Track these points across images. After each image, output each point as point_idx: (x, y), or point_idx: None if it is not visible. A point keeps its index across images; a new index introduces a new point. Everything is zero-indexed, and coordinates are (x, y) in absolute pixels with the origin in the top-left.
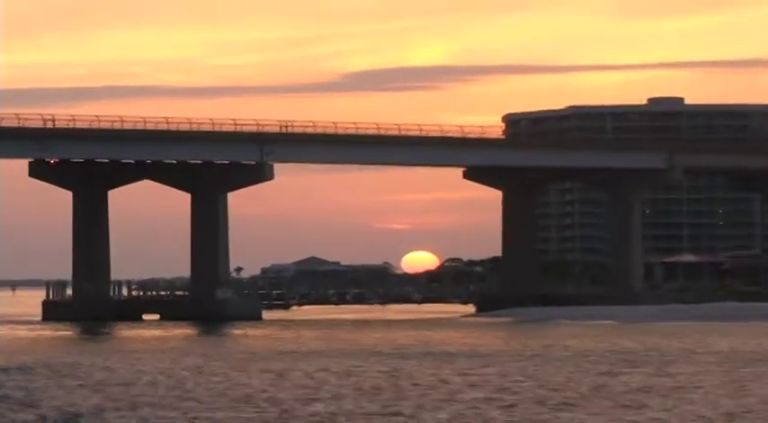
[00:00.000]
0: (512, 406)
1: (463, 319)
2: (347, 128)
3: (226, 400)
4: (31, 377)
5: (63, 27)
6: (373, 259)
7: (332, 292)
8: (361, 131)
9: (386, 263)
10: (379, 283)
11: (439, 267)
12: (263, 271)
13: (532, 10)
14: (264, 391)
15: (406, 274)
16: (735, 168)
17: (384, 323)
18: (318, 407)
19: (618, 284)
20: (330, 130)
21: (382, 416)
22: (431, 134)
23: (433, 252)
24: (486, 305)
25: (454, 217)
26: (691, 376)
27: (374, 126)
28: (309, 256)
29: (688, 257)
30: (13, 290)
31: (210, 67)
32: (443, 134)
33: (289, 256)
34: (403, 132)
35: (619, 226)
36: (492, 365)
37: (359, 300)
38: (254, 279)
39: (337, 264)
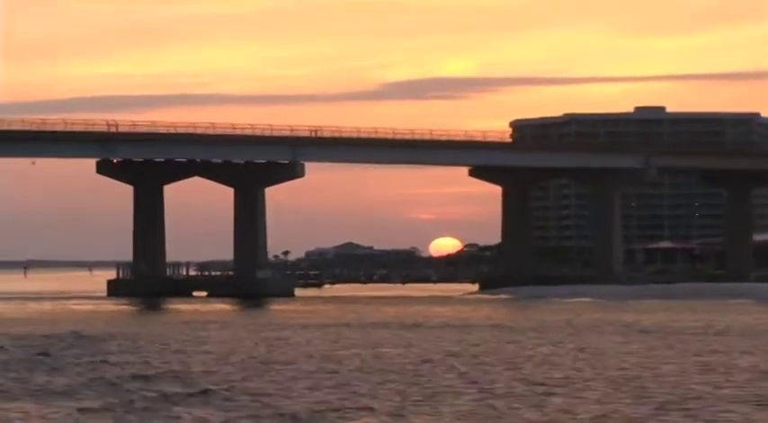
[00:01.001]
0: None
1: (466, 296)
2: (368, 132)
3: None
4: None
5: (142, 44)
6: (404, 245)
7: (361, 273)
8: (379, 136)
9: (413, 248)
10: (405, 266)
11: (459, 252)
12: (308, 254)
13: (542, 29)
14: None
15: (430, 258)
16: (703, 168)
17: (394, 299)
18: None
19: (600, 267)
20: (353, 135)
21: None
22: (440, 138)
23: (457, 238)
24: (488, 284)
25: (474, 208)
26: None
27: (390, 131)
28: (347, 241)
29: (666, 244)
30: (91, 270)
31: (266, 77)
32: (450, 138)
33: (330, 241)
34: (416, 137)
35: (600, 216)
36: (444, 332)
37: (384, 279)
38: (298, 261)
39: (371, 248)
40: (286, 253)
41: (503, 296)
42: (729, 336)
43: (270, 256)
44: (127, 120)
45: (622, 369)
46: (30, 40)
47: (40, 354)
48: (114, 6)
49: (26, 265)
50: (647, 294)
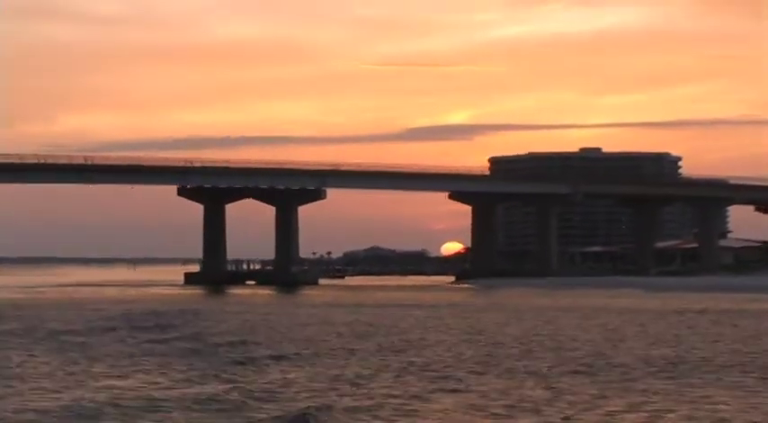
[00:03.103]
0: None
1: (443, 285)
2: (376, 167)
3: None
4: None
5: (225, 99)
6: (418, 248)
7: (375, 268)
8: (385, 169)
9: (423, 249)
10: (415, 263)
11: (463, 253)
12: (345, 254)
13: (518, 91)
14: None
15: (435, 257)
16: (620, 193)
17: (388, 287)
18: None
19: (540, 265)
20: (365, 169)
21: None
22: (428, 171)
23: (462, 243)
24: (461, 277)
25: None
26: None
27: (397, 165)
28: (374, 245)
29: (596, 248)
30: (134, 267)
31: (318, 123)
32: (435, 171)
33: (362, 245)
34: (411, 170)
35: (542, 228)
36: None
37: (393, 273)
38: (337, 259)
39: (393, 251)
40: (329, 253)
41: (466, 285)
42: (584, 312)
43: (315, 254)
44: (203, 157)
45: (469, 334)
46: (140, 94)
47: (156, 325)
48: (205, 68)
49: (134, 262)
50: (570, 284)
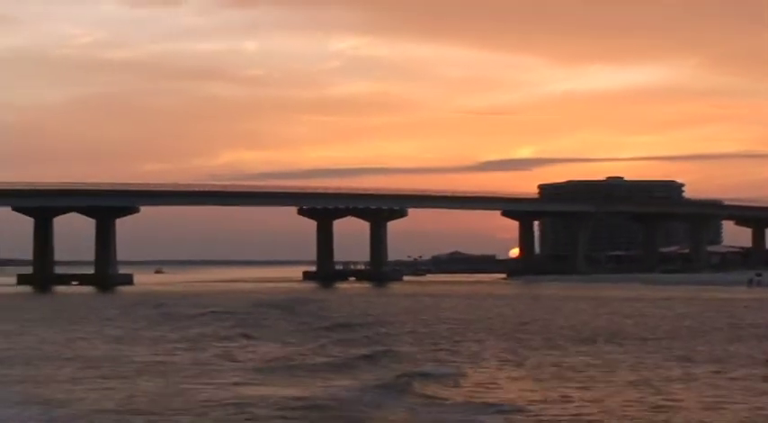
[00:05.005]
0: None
1: (497, 281)
2: (443, 192)
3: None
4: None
5: (343, 140)
6: (490, 253)
7: (453, 268)
8: (450, 194)
9: (492, 254)
10: (485, 264)
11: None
12: (432, 257)
13: (568, 131)
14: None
15: (503, 260)
16: (630, 211)
17: (454, 282)
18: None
19: (571, 265)
20: (429, 193)
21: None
22: (486, 195)
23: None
24: (512, 274)
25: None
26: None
27: (461, 191)
28: (455, 250)
29: (617, 252)
30: (161, 271)
31: (414, 158)
32: (491, 195)
33: (447, 249)
34: (471, 194)
35: (573, 236)
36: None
37: (464, 271)
38: (427, 261)
39: (469, 255)
40: (420, 256)
41: (516, 281)
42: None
43: (409, 257)
44: (320, 184)
45: (490, 317)
46: (279, 136)
47: (285, 309)
48: (327, 117)
49: (265, 264)
50: (590, 280)
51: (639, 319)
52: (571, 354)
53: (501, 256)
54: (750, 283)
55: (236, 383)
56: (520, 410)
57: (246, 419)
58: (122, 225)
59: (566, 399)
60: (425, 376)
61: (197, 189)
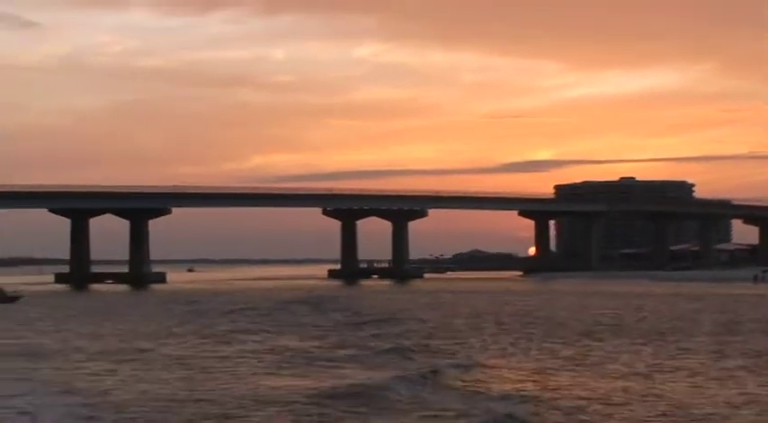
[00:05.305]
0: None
1: (513, 277)
2: (462, 192)
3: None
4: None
5: (371, 144)
6: (509, 251)
7: (473, 265)
8: (469, 195)
9: (512, 252)
10: (504, 262)
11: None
12: (454, 255)
13: (588, 135)
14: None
15: (522, 257)
16: (642, 211)
17: (473, 279)
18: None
19: (585, 262)
20: (446, 194)
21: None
22: (503, 195)
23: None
24: (528, 271)
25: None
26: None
27: (479, 192)
28: (475, 248)
29: (630, 250)
30: (193, 270)
31: (435, 160)
32: (508, 195)
33: (467, 248)
34: (489, 194)
35: (586, 235)
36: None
37: (483, 269)
38: (446, 259)
39: (489, 253)
40: (441, 255)
41: (532, 278)
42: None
43: (431, 255)
44: (345, 186)
45: (504, 310)
46: (306, 140)
47: (312, 305)
48: (353, 121)
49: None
50: (602, 276)
51: (649, 314)
52: (574, 345)
53: (519, 255)
54: (756, 279)
55: (268, 373)
56: (542, 401)
57: (278, 408)
58: (155, 226)
59: (571, 387)
60: (453, 367)
61: (225, 191)
